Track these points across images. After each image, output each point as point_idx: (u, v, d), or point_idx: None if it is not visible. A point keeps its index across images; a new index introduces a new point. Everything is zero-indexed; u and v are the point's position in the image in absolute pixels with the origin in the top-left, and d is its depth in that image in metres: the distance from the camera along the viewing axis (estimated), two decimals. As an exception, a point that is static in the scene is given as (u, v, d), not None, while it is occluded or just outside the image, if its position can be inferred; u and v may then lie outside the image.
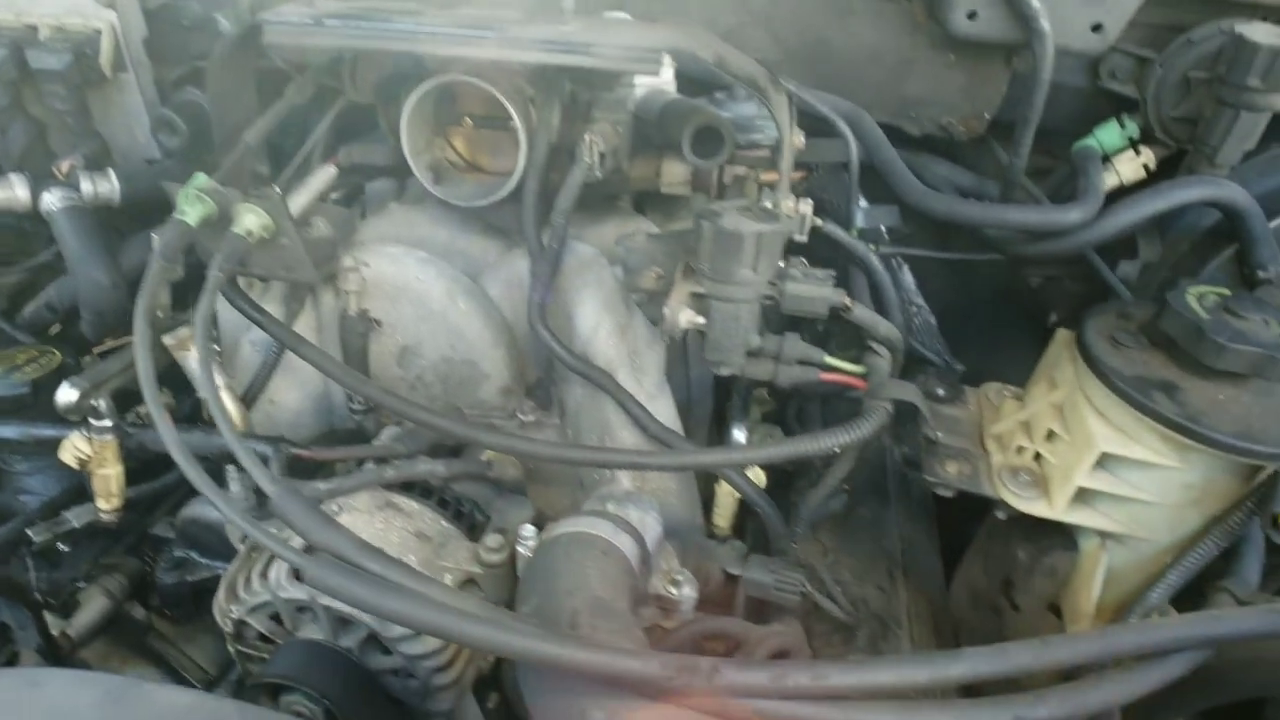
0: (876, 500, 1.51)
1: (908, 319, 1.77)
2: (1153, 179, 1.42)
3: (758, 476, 1.37)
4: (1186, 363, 1.03)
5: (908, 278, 1.76)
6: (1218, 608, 1.03)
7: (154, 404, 1.06)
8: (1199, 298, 1.02)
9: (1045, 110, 1.39)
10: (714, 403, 1.47)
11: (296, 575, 1.10)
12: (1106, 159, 1.46)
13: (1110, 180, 1.44)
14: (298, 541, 1.00)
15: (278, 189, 1.35)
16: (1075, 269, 1.60)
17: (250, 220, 1.21)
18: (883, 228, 1.67)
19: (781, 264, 1.13)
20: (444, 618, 0.88)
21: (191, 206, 1.21)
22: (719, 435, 1.48)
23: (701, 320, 1.08)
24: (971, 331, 1.86)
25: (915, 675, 0.87)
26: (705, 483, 1.40)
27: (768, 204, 1.14)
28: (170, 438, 1.03)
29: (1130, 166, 1.45)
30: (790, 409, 1.64)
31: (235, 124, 1.40)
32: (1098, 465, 1.04)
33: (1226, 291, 1.03)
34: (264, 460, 1.27)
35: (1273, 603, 0.93)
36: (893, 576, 1.37)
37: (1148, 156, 1.45)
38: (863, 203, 1.67)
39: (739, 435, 1.38)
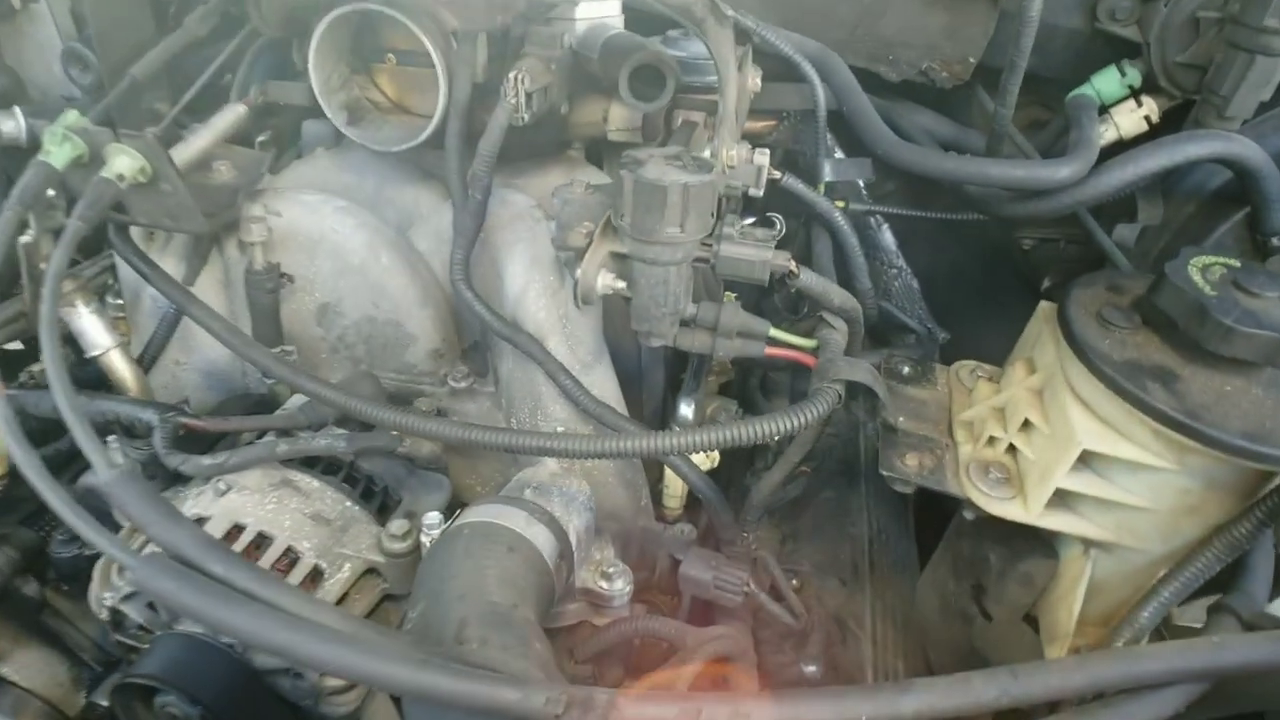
0: (846, 481, 1.38)
1: (887, 282, 1.61)
2: (1156, 133, 1.25)
3: (711, 457, 1.24)
4: (1186, 347, 0.84)
5: (887, 237, 1.59)
6: (1219, 630, 0.87)
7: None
8: (1203, 270, 0.84)
9: (1037, 55, 1.20)
10: (670, 370, 1.33)
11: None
12: (1104, 110, 1.28)
13: (1108, 134, 1.27)
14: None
15: (196, 127, 1.23)
16: (1072, 231, 1.43)
17: (122, 163, 1.08)
18: (861, 183, 1.51)
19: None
20: (290, 634, 0.77)
21: (58, 147, 1.11)
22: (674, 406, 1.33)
23: (622, 285, 0.92)
24: (960, 297, 1.70)
25: (855, 710, 0.74)
26: (655, 461, 1.25)
27: (706, 153, 0.97)
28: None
29: (1130, 119, 1.27)
30: (753, 379, 1.49)
31: (124, 56, 1.27)
32: (1081, 464, 0.87)
33: (1235, 263, 0.85)
34: (148, 429, 1.12)
35: None
36: (857, 568, 1.23)
37: (1150, 107, 1.27)
38: (839, 154, 1.51)
39: (685, 411, 1.23)
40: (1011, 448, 0.95)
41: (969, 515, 0.95)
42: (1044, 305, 1.00)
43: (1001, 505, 0.92)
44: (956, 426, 1.01)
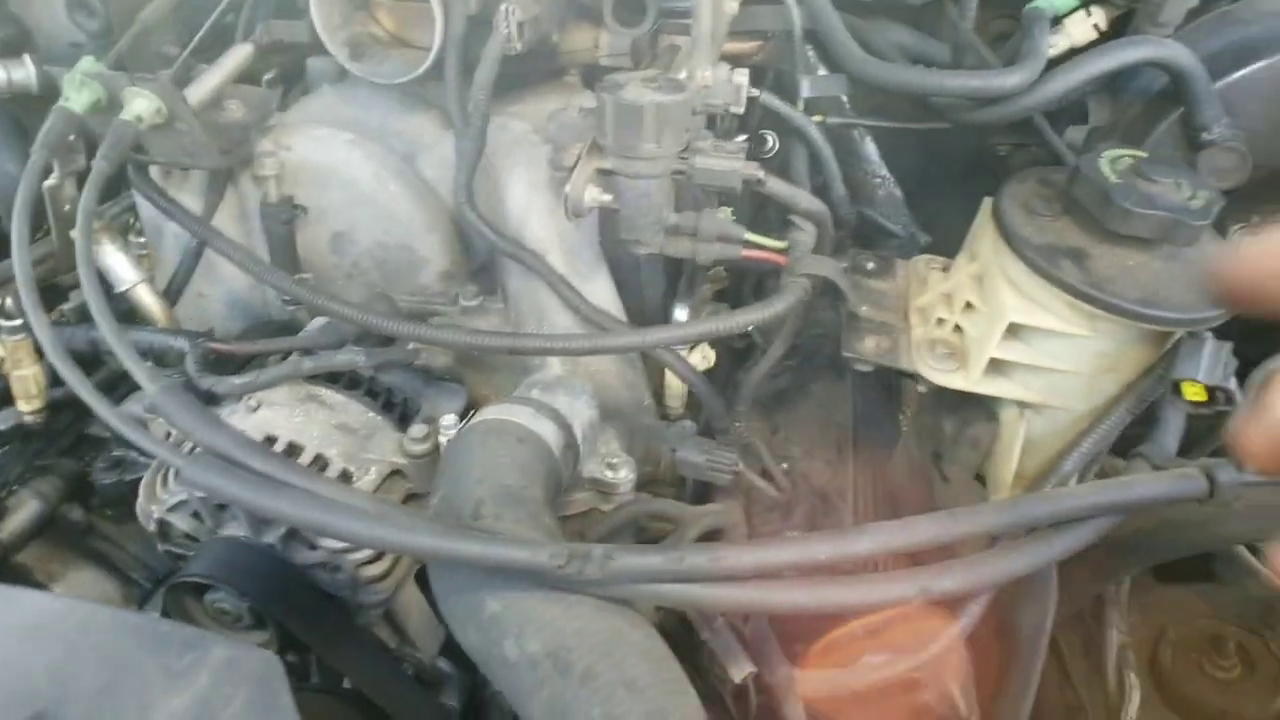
0: (833, 375, 1.55)
1: (871, 191, 1.79)
2: (1104, 40, 1.43)
3: (707, 356, 1.42)
4: (1096, 229, 1.05)
5: (870, 149, 1.77)
6: (1134, 473, 1.08)
7: (30, 303, 1.10)
8: (1112, 161, 1.05)
9: (996, -33, 1.39)
10: (670, 281, 1.49)
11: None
12: (1059, 21, 1.46)
13: (1062, 43, 1.45)
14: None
15: (204, 68, 1.39)
16: (1040, 137, 1.62)
17: (140, 105, 1.22)
18: (844, 98, 1.69)
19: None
20: (326, 515, 0.92)
21: (77, 93, 1.24)
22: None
23: (609, 198, 1.11)
24: (944, 202, 1.88)
25: (816, 553, 0.92)
26: (659, 364, 1.42)
27: (682, 74, 1.16)
28: (45, 335, 1.08)
29: (1081, 28, 1.45)
30: (746, 286, 1.68)
31: (131, 2, 1.42)
32: (1011, 336, 1.08)
33: (1142, 154, 1.06)
34: (181, 356, 1.30)
35: (1184, 467, 0.97)
36: (841, 451, 1.42)
37: (1098, 16, 1.45)
38: (822, 71, 1.69)
39: (681, 315, 1.41)
40: (956, 327, 1.16)
41: (921, 389, 1.17)
42: (986, 201, 1.20)
43: (946, 376, 1.13)
44: (912, 312, 1.22)
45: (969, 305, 1.14)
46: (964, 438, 1.20)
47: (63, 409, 1.46)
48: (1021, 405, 1.15)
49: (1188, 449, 1.25)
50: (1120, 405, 1.07)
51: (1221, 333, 1.07)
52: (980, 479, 1.25)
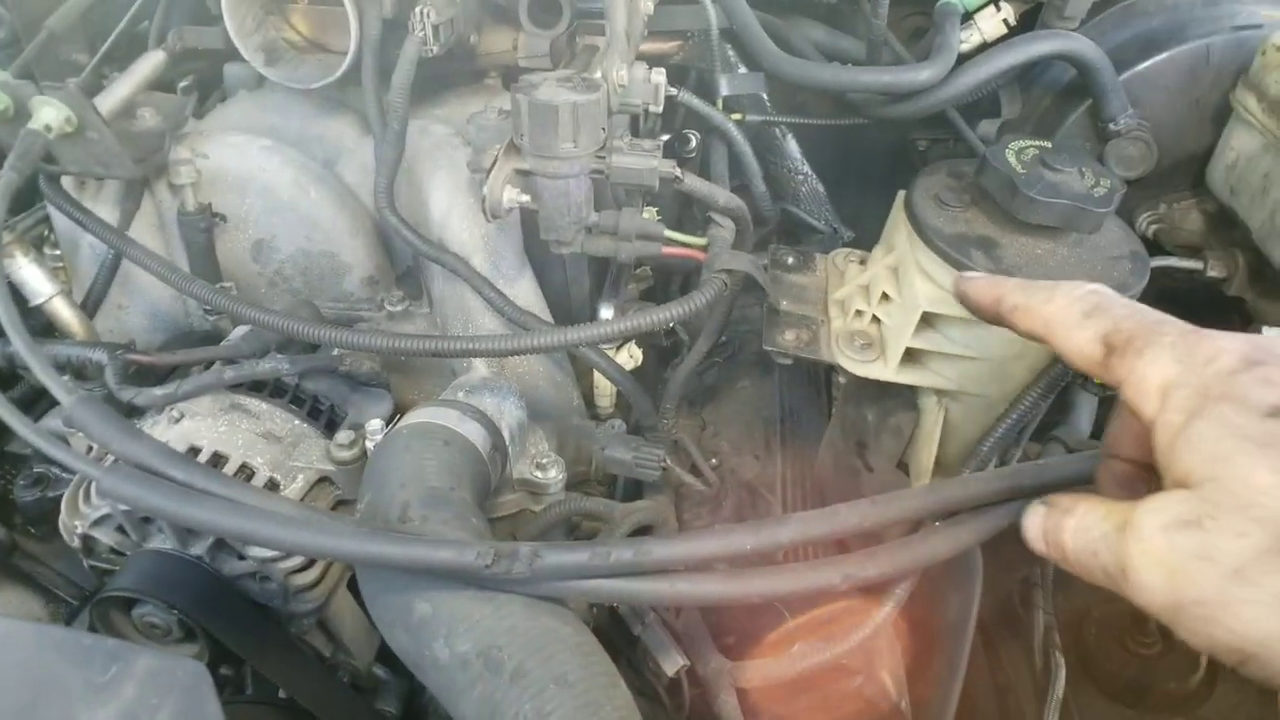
0: (760, 371, 1.59)
1: (794, 188, 1.83)
2: (1013, 35, 1.48)
3: (635, 355, 1.44)
4: (1004, 219, 1.08)
5: (792, 146, 1.81)
6: (1050, 456, 1.12)
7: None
8: (1018, 152, 1.08)
9: (908, -35, 1.43)
10: (596, 281, 1.51)
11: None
12: (969, 16, 1.51)
13: (974, 38, 1.50)
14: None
15: (117, 76, 1.38)
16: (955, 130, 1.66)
17: (48, 114, 1.20)
18: (764, 95, 1.72)
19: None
20: (249, 521, 0.91)
21: None
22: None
23: (527, 199, 1.12)
24: (868, 197, 1.92)
25: (741, 544, 0.93)
26: (588, 364, 1.43)
27: (596, 74, 1.18)
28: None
29: (991, 23, 1.50)
30: (674, 285, 1.70)
31: (38, 9, 1.41)
32: (926, 325, 1.10)
33: (1047, 145, 1.09)
34: (101, 369, 1.28)
35: (1096, 449, 0.99)
36: (770, 445, 1.45)
37: (1007, 11, 1.50)
38: (742, 69, 1.72)
39: (606, 314, 1.43)
40: (874, 319, 1.19)
41: (841, 379, 1.20)
42: (900, 194, 1.23)
43: (865, 367, 1.16)
44: (830, 305, 1.25)
45: (885, 296, 1.16)
46: (886, 427, 1.23)
47: (-21, 426, 1.43)
48: (939, 393, 1.18)
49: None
50: (1032, 390, 1.10)
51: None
52: (904, 467, 1.28)
